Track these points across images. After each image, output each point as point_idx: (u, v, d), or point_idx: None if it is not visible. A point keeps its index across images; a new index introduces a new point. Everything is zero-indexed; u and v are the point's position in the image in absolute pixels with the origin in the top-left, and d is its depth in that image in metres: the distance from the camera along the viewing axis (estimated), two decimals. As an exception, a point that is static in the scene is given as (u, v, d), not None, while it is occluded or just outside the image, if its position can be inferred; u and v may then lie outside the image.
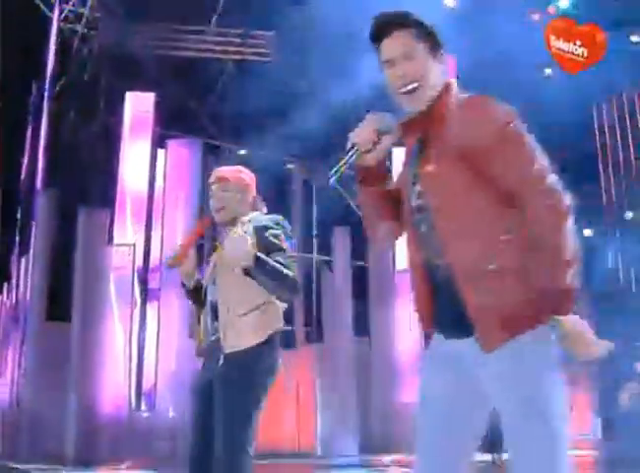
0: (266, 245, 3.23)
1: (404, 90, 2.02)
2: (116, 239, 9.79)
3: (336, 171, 2.02)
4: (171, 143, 10.48)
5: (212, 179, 3.47)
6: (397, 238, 2.30)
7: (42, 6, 10.74)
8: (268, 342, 3.21)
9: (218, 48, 10.28)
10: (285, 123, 11.30)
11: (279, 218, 3.39)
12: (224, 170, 3.55)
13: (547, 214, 1.82)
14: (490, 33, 8.79)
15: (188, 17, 10.26)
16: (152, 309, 9.94)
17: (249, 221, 3.42)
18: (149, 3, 10.07)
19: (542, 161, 1.88)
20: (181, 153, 10.55)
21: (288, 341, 10.46)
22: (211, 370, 3.24)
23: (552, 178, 1.85)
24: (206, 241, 3.63)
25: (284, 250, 3.26)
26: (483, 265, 1.85)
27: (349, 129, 2.08)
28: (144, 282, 10.01)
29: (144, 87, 10.19)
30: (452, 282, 1.89)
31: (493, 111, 1.91)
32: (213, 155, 11.37)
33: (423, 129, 2.04)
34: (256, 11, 10.03)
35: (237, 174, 3.56)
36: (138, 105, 10.15)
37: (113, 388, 8.99)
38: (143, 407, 9.50)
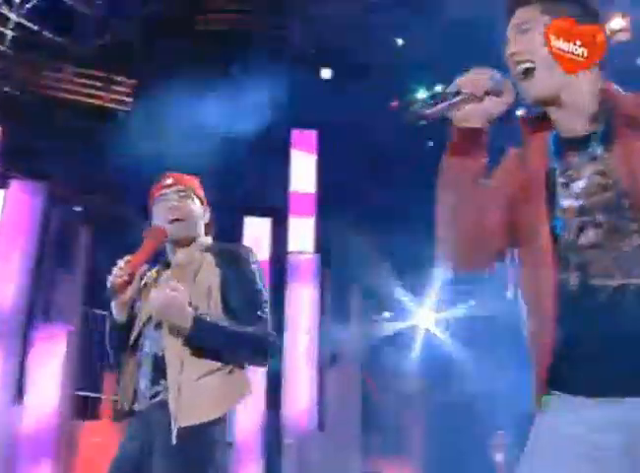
0: (240, 283, 2.65)
1: (519, 71, 1.61)
2: (-61, 284, 8.68)
3: (424, 104, 1.54)
4: (14, 184, 9.54)
5: (167, 182, 2.81)
6: (490, 263, 1.71)
7: None
8: (225, 416, 2.57)
9: (75, 89, 9.61)
10: (136, 178, 10.70)
11: (249, 248, 2.80)
12: (179, 175, 2.87)
13: None
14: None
15: (46, 53, 9.59)
16: (-29, 366, 8.79)
17: (209, 248, 2.77)
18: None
19: None
20: (22, 197, 9.62)
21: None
22: (145, 440, 2.53)
23: None
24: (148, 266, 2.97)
25: (260, 291, 2.69)
26: None
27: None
28: (-34, 334, 8.89)
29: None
30: None
31: None
32: (56, 205, 10.46)
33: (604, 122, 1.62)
34: (124, 57, 9.56)
35: (196, 182, 2.92)
36: (-20, 139, 9.21)
37: None
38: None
